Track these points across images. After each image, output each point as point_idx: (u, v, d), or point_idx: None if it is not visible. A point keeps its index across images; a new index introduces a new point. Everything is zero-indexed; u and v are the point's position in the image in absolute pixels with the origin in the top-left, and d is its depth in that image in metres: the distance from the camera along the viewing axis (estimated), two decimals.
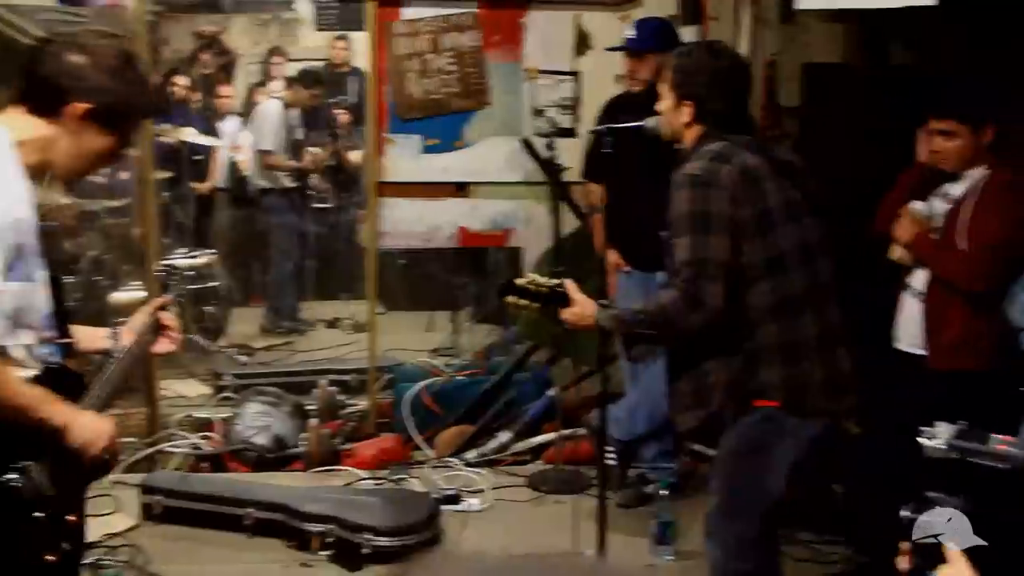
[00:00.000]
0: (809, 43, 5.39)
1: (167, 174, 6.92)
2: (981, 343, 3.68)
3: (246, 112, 8.58)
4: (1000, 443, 1.90)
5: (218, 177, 8.21)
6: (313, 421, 5.31)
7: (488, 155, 5.57)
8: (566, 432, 5.16)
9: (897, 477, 2.93)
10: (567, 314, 3.18)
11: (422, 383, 5.63)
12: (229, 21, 9.40)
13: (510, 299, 3.24)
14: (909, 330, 3.85)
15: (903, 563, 1.82)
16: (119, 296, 5.90)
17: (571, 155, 5.14)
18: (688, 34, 5.20)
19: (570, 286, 3.19)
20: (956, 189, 3.76)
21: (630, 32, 4.65)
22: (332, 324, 7.84)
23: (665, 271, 3.20)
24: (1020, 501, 1.88)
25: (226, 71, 9.22)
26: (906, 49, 5.23)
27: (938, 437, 1.92)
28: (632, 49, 4.60)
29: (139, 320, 2.73)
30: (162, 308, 2.78)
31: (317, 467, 5.08)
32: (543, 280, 3.22)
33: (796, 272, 2.97)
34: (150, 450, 5.22)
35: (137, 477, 4.77)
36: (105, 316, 5.57)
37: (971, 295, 3.65)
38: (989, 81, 4.25)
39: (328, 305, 8.11)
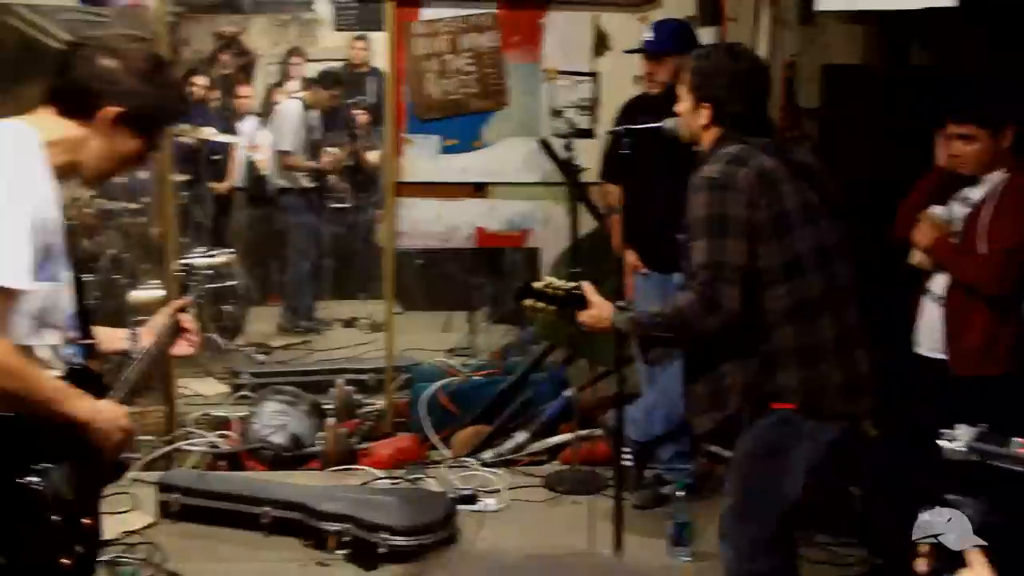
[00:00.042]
0: (828, 44, 5.38)
1: (185, 176, 6.96)
2: (1002, 347, 3.66)
3: (265, 112, 8.61)
4: (1021, 446, 1.89)
5: (236, 177, 8.25)
6: (330, 420, 5.32)
7: (506, 155, 5.58)
8: (583, 433, 5.16)
9: (914, 480, 2.93)
10: (584, 317, 3.18)
11: (439, 383, 5.64)
12: (249, 22, 9.42)
13: (527, 302, 3.24)
14: (929, 334, 3.83)
15: (921, 566, 1.82)
16: (138, 295, 5.93)
17: (589, 156, 5.15)
18: (707, 35, 5.20)
19: (587, 288, 3.19)
20: (975, 193, 3.75)
21: (648, 34, 4.65)
22: (349, 323, 7.86)
23: (682, 273, 3.20)
24: None
25: (245, 71, 9.24)
26: (926, 50, 5.21)
27: (958, 440, 1.91)
28: (650, 51, 4.60)
29: (159, 321, 2.74)
30: (182, 310, 2.80)
31: (334, 466, 5.09)
32: (560, 283, 3.22)
33: (813, 275, 2.96)
34: (167, 448, 5.25)
35: (154, 475, 4.79)
36: (124, 315, 5.60)
37: (992, 299, 3.64)
38: (1008, 83, 4.23)
39: (345, 305, 8.12)
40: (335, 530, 4.24)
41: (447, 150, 5.55)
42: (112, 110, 2.29)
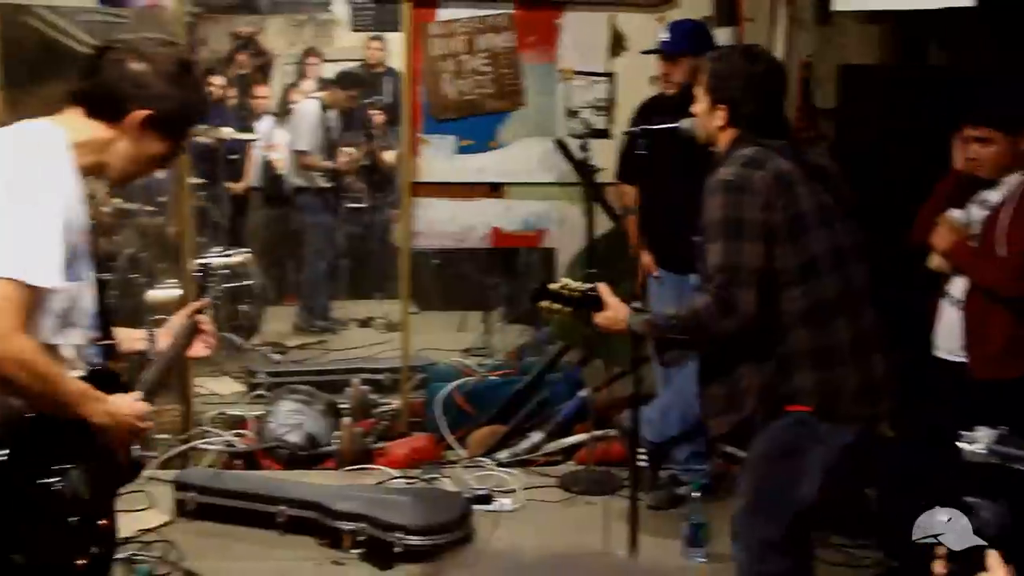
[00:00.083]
0: (845, 44, 5.36)
1: (202, 180, 6.99)
2: (1022, 350, 3.64)
3: (281, 112, 8.64)
4: None
5: (252, 177, 8.27)
6: (346, 420, 5.33)
7: (522, 156, 5.58)
8: (598, 433, 5.16)
9: (931, 482, 2.92)
10: (600, 318, 3.18)
11: (454, 383, 5.64)
12: (266, 22, 9.46)
13: (543, 304, 3.25)
14: (947, 337, 3.81)
15: (938, 568, 1.81)
16: (155, 294, 5.95)
17: (605, 156, 5.15)
18: (723, 35, 5.19)
19: (603, 290, 3.19)
20: (994, 195, 3.72)
21: (664, 35, 4.64)
22: (365, 323, 7.88)
23: (698, 274, 3.20)
24: None
25: (262, 72, 9.28)
26: (943, 50, 5.18)
27: (978, 442, 1.91)
28: (666, 52, 4.60)
29: (176, 323, 2.76)
30: (199, 311, 2.81)
31: (349, 465, 5.10)
32: (576, 284, 3.23)
33: (829, 277, 2.96)
34: (184, 447, 5.27)
35: (171, 473, 4.81)
36: (141, 314, 5.62)
37: (1011, 302, 3.61)
38: None
39: (361, 304, 8.14)
40: (350, 529, 4.25)
41: (463, 150, 5.55)
42: (141, 113, 2.31)
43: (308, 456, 5.23)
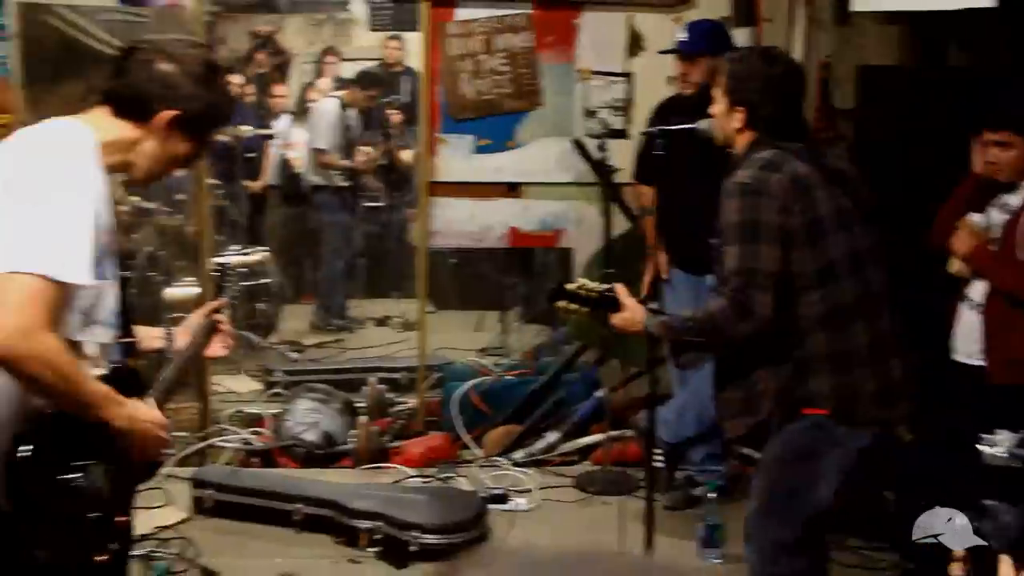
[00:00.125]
0: (864, 45, 5.33)
1: (219, 182, 7.02)
2: None
3: (299, 111, 8.66)
4: None
5: (270, 175, 8.30)
6: (362, 418, 5.34)
7: (540, 156, 5.58)
8: (614, 433, 5.15)
9: (949, 485, 2.91)
10: (617, 319, 3.18)
11: (471, 382, 5.65)
12: (284, 21, 9.49)
13: (560, 304, 3.25)
14: (966, 341, 3.80)
15: (956, 570, 1.81)
16: (173, 292, 5.97)
17: (622, 156, 5.14)
18: (741, 36, 5.18)
19: (620, 291, 3.18)
20: (1014, 199, 3.71)
21: (682, 35, 4.63)
22: (382, 322, 7.89)
23: (714, 276, 3.19)
24: None
25: (281, 71, 9.31)
26: (962, 51, 5.16)
27: (999, 445, 1.91)
28: (684, 52, 4.59)
29: (194, 322, 2.77)
30: (217, 311, 2.82)
31: (366, 464, 5.11)
32: (593, 285, 3.22)
33: (847, 281, 2.95)
34: (201, 445, 5.29)
35: (188, 471, 4.83)
36: (159, 312, 5.64)
37: None
38: None
39: (378, 303, 8.16)
40: (366, 528, 4.27)
41: (481, 150, 5.56)
42: (168, 113, 2.33)
43: (325, 454, 5.24)
